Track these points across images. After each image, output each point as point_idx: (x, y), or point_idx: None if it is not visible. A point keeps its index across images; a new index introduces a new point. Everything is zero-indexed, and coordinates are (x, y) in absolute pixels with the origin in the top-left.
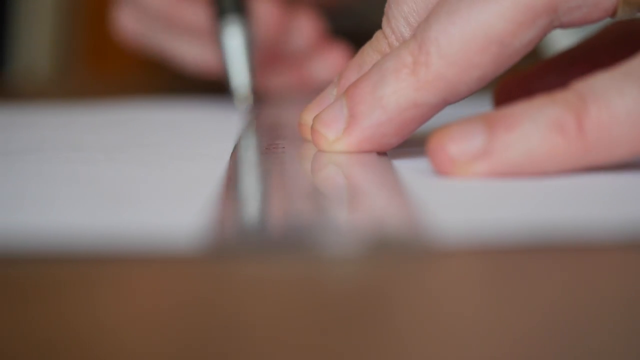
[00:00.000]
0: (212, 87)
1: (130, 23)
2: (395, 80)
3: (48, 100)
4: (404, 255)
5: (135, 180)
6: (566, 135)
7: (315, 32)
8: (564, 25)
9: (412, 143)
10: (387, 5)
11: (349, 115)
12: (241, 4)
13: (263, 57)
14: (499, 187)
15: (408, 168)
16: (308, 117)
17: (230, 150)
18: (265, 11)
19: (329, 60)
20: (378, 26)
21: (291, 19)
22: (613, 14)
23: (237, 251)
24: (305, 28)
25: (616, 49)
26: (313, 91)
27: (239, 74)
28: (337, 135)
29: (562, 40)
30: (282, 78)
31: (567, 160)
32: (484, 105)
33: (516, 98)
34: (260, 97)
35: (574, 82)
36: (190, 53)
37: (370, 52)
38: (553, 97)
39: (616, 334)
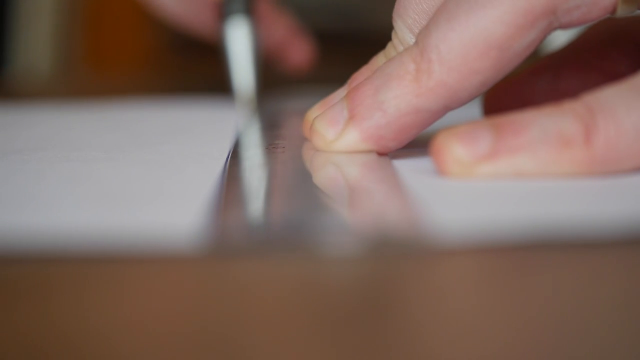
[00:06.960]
0: (212, 87)
1: None
2: (397, 86)
3: (48, 100)
4: (404, 254)
5: (135, 180)
6: (573, 146)
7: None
8: (563, 26)
9: (412, 144)
10: (393, 18)
11: (348, 116)
12: (248, 6)
13: None
14: (499, 186)
15: (408, 168)
16: (313, 116)
17: (230, 150)
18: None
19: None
20: (381, 28)
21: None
22: (612, 11)
23: (237, 251)
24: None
25: (603, 49)
26: (319, 91)
27: (243, 77)
28: (336, 135)
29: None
30: None
31: (571, 169)
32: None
33: (506, 104)
34: (262, 99)
35: (583, 94)
36: (168, 3)
37: (383, 59)
38: (561, 107)
39: (616, 331)
